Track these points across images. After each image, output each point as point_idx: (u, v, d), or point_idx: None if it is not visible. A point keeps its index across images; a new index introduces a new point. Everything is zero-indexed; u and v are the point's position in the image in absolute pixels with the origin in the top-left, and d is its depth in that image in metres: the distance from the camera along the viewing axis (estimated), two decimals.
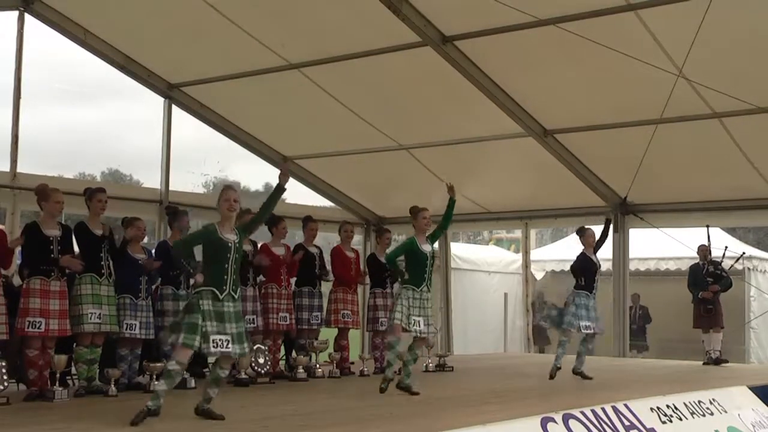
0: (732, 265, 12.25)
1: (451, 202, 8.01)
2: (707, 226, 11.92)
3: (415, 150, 12.60)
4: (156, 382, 5.90)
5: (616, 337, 12.89)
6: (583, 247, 9.50)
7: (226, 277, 5.95)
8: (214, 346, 5.82)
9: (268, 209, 6.39)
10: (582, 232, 9.55)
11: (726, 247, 12.41)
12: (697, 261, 11.84)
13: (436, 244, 8.20)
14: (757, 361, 14.46)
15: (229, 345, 5.88)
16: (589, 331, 9.27)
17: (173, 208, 9.04)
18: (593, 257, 9.45)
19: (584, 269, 9.40)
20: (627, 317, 12.95)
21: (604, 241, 9.66)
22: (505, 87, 10.74)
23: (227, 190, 6.18)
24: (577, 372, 9.42)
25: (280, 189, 6.37)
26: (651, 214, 12.76)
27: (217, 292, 5.90)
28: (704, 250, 11.70)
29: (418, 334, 7.62)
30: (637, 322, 15.48)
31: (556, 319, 9.38)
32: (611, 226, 9.92)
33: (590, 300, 9.27)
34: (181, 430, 5.70)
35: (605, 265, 13.87)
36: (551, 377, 9.10)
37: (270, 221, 9.45)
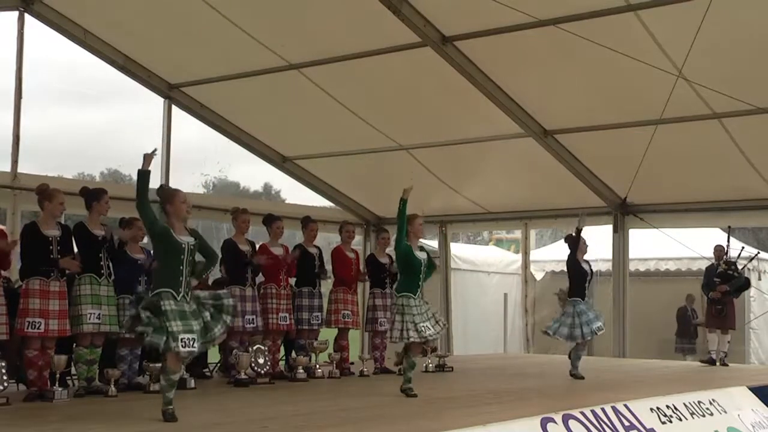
0: (745, 266, 12.24)
1: (402, 203, 7.75)
2: (729, 227, 11.92)
3: (415, 150, 12.60)
4: (167, 393, 5.88)
5: (615, 337, 12.89)
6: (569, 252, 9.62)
7: (180, 278, 5.91)
8: (182, 345, 5.73)
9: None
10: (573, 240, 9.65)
11: (743, 247, 12.41)
12: (712, 261, 11.82)
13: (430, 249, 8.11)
14: (758, 361, 14.46)
15: (195, 344, 5.82)
16: (588, 338, 9.45)
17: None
18: (584, 264, 9.57)
19: (575, 275, 9.53)
20: (627, 318, 12.91)
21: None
22: (504, 87, 10.74)
23: (181, 193, 6.14)
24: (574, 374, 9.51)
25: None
26: (651, 215, 12.76)
27: (174, 294, 5.85)
28: (720, 251, 11.66)
29: (429, 338, 7.59)
30: (691, 324, 15.36)
31: (563, 333, 9.42)
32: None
33: (584, 305, 9.42)
34: (180, 429, 5.70)
35: (605, 266, 13.94)
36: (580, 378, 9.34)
37: (266, 221, 9.46)
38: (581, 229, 9.56)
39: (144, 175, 5.97)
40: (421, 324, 7.45)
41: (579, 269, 9.52)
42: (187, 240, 6.00)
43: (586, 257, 9.69)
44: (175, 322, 5.77)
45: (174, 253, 5.93)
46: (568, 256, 9.62)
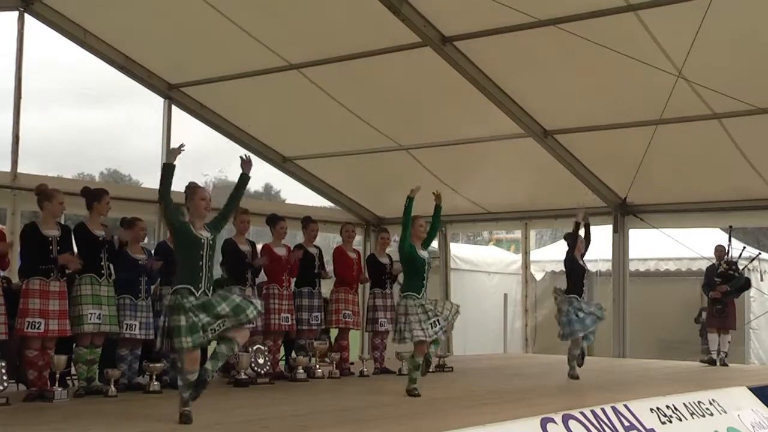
0: (746, 266, 12.25)
1: (438, 209, 7.98)
2: (730, 227, 11.92)
3: (415, 150, 12.60)
4: (183, 394, 5.89)
5: (615, 337, 12.90)
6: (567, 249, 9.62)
7: (201, 274, 5.92)
8: (212, 333, 5.82)
9: (235, 201, 6.35)
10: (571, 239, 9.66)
11: (744, 247, 12.42)
12: (713, 261, 11.83)
13: (430, 249, 8.12)
14: (758, 361, 14.47)
15: (222, 326, 5.86)
16: (588, 332, 9.42)
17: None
18: (581, 261, 9.57)
19: (573, 272, 9.52)
20: (627, 317, 12.92)
21: (588, 245, 9.72)
22: (504, 87, 10.74)
23: (201, 190, 6.16)
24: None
25: (244, 178, 6.34)
26: (651, 215, 12.77)
27: (193, 290, 5.86)
28: (720, 251, 11.68)
29: (433, 335, 7.55)
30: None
31: (566, 332, 9.41)
32: (591, 228, 9.97)
33: (581, 303, 9.40)
34: (180, 429, 5.70)
35: (605, 266, 13.94)
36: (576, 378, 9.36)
37: (270, 221, 9.47)
38: (580, 223, 9.54)
39: (168, 168, 6.00)
40: (427, 322, 7.43)
41: (577, 265, 9.51)
42: (206, 235, 6.03)
43: (585, 257, 9.70)
44: (201, 315, 5.78)
45: (192, 248, 5.95)
46: (566, 252, 9.62)
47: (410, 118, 11.95)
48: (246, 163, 6.40)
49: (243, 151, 6.82)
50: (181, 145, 6.09)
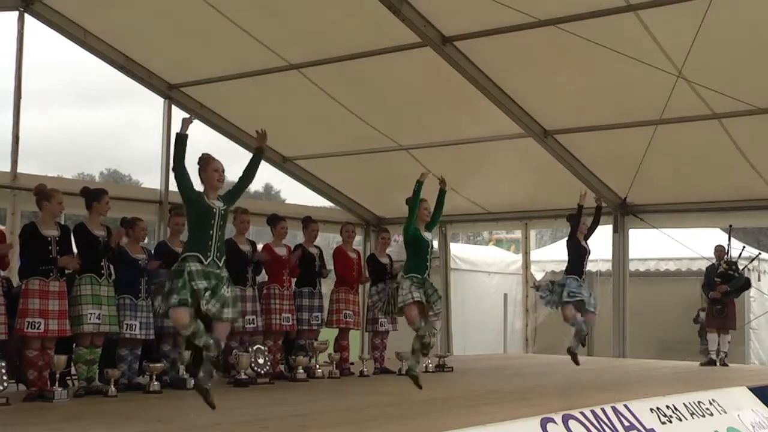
0: (746, 266, 12.25)
1: (442, 193, 7.96)
2: (730, 226, 11.92)
3: (415, 150, 12.60)
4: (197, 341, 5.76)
5: (615, 337, 12.90)
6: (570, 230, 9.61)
7: (210, 242, 5.91)
8: (205, 303, 5.72)
9: (249, 176, 6.30)
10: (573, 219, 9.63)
11: (744, 247, 12.42)
12: (713, 261, 11.83)
13: (434, 240, 8.12)
14: (758, 361, 14.46)
15: (222, 309, 5.80)
16: (583, 300, 9.30)
17: (174, 205, 9.10)
18: (583, 242, 9.51)
19: (574, 252, 9.45)
20: (627, 317, 12.92)
21: (594, 228, 9.69)
22: (504, 87, 10.74)
23: (214, 161, 6.17)
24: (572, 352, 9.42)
25: (259, 153, 6.32)
26: (651, 215, 12.77)
27: (202, 257, 5.84)
28: (720, 251, 11.68)
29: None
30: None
31: (553, 299, 9.35)
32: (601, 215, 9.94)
33: (581, 283, 9.30)
34: (180, 429, 5.70)
35: (605, 266, 13.93)
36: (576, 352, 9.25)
37: (270, 221, 9.47)
38: (582, 205, 9.49)
39: (181, 138, 6.05)
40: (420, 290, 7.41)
41: (578, 246, 9.44)
42: (218, 205, 6.03)
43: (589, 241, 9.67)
44: (200, 281, 5.72)
45: (205, 217, 5.95)
46: (569, 234, 9.59)
47: (410, 118, 11.95)
48: (261, 138, 6.36)
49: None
50: (192, 116, 6.16)
